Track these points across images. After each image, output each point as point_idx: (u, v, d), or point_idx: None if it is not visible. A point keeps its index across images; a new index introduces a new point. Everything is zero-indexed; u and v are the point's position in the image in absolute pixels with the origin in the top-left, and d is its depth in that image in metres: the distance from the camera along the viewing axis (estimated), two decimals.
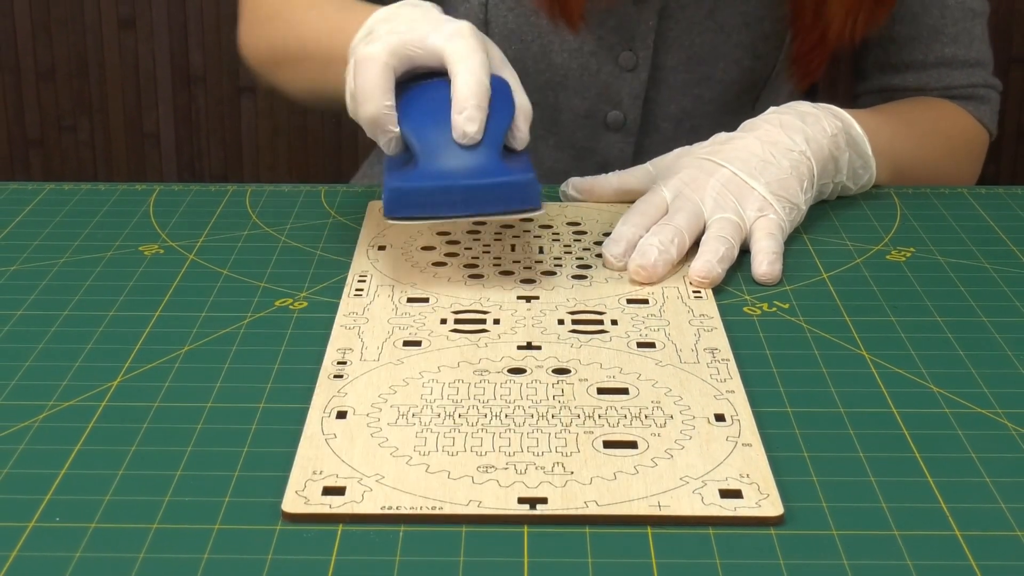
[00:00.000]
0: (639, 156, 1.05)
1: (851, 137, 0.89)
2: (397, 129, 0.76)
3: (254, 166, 1.76)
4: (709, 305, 0.73)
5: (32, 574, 0.51)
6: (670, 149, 0.89)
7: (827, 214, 0.88)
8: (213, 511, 0.55)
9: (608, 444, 0.59)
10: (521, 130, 0.77)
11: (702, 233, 0.79)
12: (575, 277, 0.77)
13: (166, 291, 0.76)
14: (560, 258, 0.80)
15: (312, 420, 0.61)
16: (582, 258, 0.80)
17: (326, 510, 0.54)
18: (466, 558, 0.52)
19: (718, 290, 0.76)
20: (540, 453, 0.58)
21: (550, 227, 0.85)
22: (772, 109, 0.88)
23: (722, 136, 0.86)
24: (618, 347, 0.68)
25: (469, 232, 0.84)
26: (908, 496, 0.56)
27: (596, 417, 0.61)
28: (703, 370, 0.66)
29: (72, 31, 1.71)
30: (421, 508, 0.54)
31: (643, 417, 0.61)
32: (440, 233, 0.83)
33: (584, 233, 0.84)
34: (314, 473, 0.57)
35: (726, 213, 0.80)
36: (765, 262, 0.78)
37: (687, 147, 0.87)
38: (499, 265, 0.79)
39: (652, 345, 0.68)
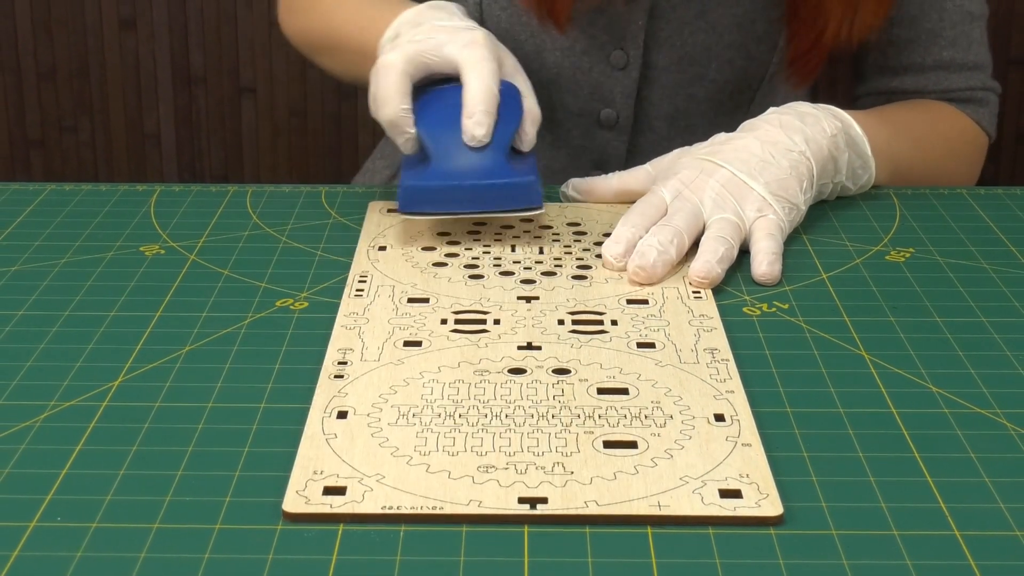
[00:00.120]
0: (633, 154, 1.05)
1: (850, 137, 0.89)
2: (413, 130, 0.82)
3: (255, 167, 1.76)
4: (709, 305, 0.73)
5: (33, 574, 0.51)
6: (664, 148, 0.90)
7: (826, 214, 0.88)
8: (214, 511, 0.55)
9: (608, 444, 0.59)
10: (528, 134, 0.83)
11: (701, 234, 0.79)
12: (575, 277, 0.77)
13: (167, 291, 0.76)
14: (560, 258, 0.80)
15: (313, 420, 0.61)
16: (582, 258, 0.80)
17: (327, 510, 0.54)
18: (466, 558, 0.52)
19: (718, 290, 0.76)
20: (540, 453, 0.58)
21: (550, 227, 0.85)
22: (772, 109, 0.88)
23: (721, 136, 0.87)
24: (618, 347, 0.68)
25: (469, 232, 0.84)
26: (907, 496, 0.56)
27: (596, 417, 0.61)
28: (703, 370, 0.66)
29: (73, 32, 1.71)
30: (421, 508, 0.54)
31: (643, 417, 0.61)
32: (440, 233, 0.84)
33: (584, 234, 0.84)
34: (315, 473, 0.57)
35: (725, 213, 0.80)
36: (765, 262, 0.78)
37: (686, 147, 0.88)
38: (499, 265, 0.79)
39: (652, 345, 0.69)
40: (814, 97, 1.03)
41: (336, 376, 0.65)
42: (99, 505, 0.55)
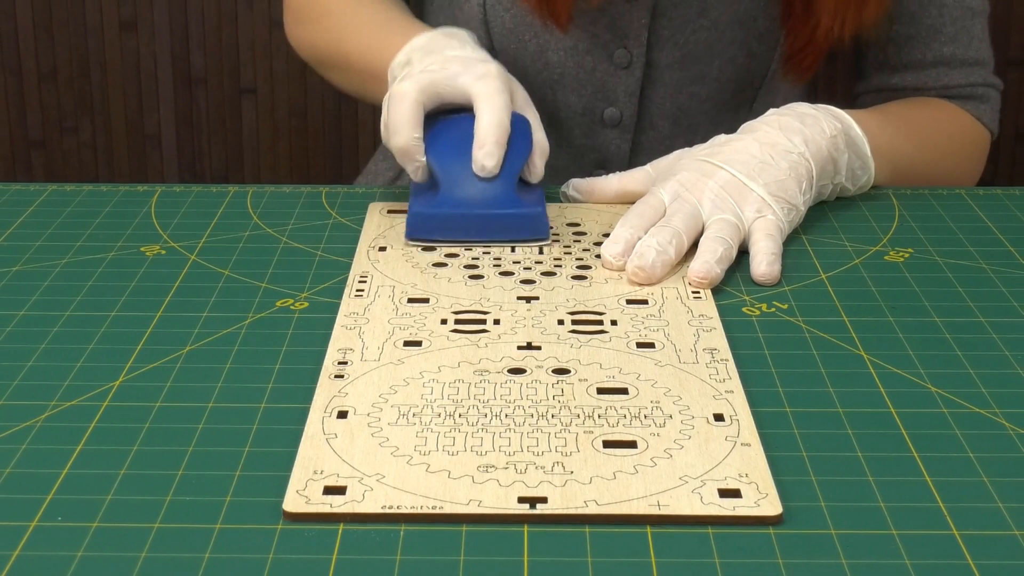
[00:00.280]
0: (637, 153, 1.05)
1: (850, 138, 0.89)
2: (423, 159, 0.83)
3: (255, 167, 1.77)
4: (708, 305, 0.74)
5: (34, 573, 0.51)
6: (667, 146, 0.90)
7: (826, 215, 0.88)
8: (214, 510, 0.55)
9: (608, 444, 0.59)
10: (537, 166, 0.84)
11: (700, 235, 0.80)
12: (575, 278, 0.77)
13: (168, 292, 0.76)
14: (560, 259, 0.80)
15: (313, 420, 0.61)
16: (582, 259, 0.80)
17: (327, 509, 0.54)
18: (466, 557, 0.52)
19: (717, 290, 0.76)
20: (540, 453, 0.58)
21: (550, 228, 0.85)
22: (771, 111, 0.89)
23: (721, 138, 0.87)
24: (618, 347, 0.68)
25: None
26: (906, 495, 0.56)
27: (596, 417, 0.61)
28: (702, 370, 0.66)
29: (74, 33, 1.71)
30: (421, 507, 0.54)
31: (642, 417, 0.61)
32: None
33: (584, 234, 0.84)
34: (315, 473, 0.57)
35: (724, 214, 0.80)
36: (764, 262, 0.78)
37: (686, 149, 0.88)
38: (499, 265, 0.79)
39: (651, 345, 0.69)
40: (813, 96, 1.03)
41: (336, 376, 0.65)
42: (100, 505, 0.55)
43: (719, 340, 0.69)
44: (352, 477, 0.57)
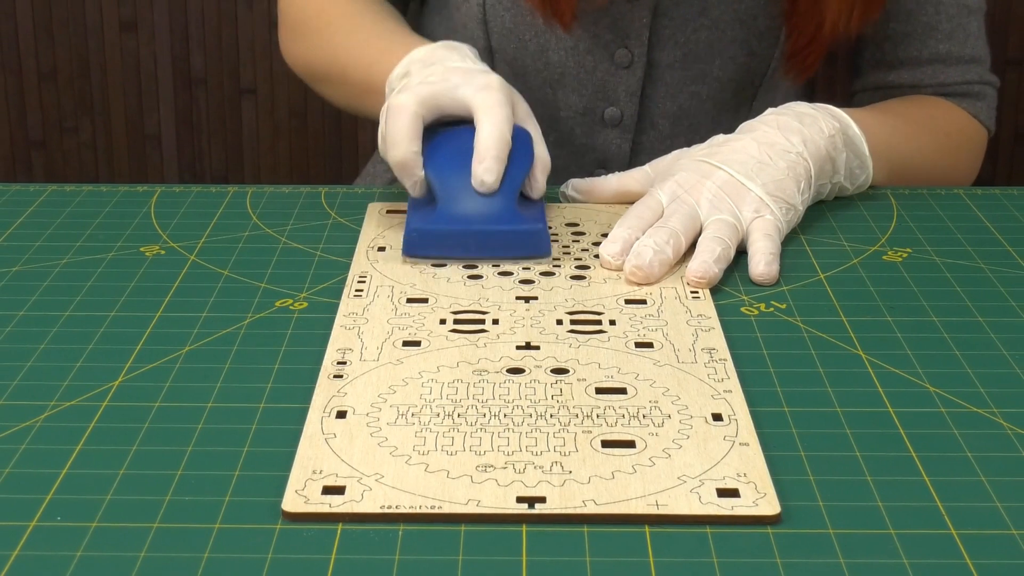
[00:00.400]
0: (637, 153, 1.05)
1: (848, 138, 0.89)
2: (421, 173, 0.81)
3: (255, 167, 1.77)
4: (707, 305, 0.74)
5: (34, 573, 0.51)
6: (668, 146, 0.90)
7: (824, 215, 0.88)
8: (213, 510, 0.55)
9: (606, 443, 0.59)
10: (538, 180, 0.83)
11: (699, 235, 0.80)
12: (573, 278, 0.77)
13: (167, 292, 0.76)
14: (559, 259, 0.80)
15: (312, 420, 0.61)
16: (580, 259, 0.80)
17: (326, 509, 0.54)
18: (465, 557, 0.52)
19: (715, 290, 0.76)
20: (539, 452, 0.58)
21: (549, 228, 0.85)
22: (770, 110, 0.89)
23: (719, 138, 0.87)
24: (616, 347, 0.69)
25: None
26: (904, 495, 0.56)
27: (594, 417, 0.62)
28: (701, 370, 0.66)
29: (74, 33, 1.71)
30: (420, 507, 0.55)
31: (641, 417, 0.62)
32: None
33: (583, 234, 0.84)
34: (314, 472, 0.57)
35: (722, 215, 0.80)
36: (762, 262, 0.78)
37: (685, 149, 0.88)
38: (498, 265, 0.79)
39: (650, 345, 0.69)
40: (812, 96, 1.03)
41: (335, 376, 0.65)
42: (99, 505, 0.55)
43: (717, 340, 0.69)
44: (351, 477, 0.57)
